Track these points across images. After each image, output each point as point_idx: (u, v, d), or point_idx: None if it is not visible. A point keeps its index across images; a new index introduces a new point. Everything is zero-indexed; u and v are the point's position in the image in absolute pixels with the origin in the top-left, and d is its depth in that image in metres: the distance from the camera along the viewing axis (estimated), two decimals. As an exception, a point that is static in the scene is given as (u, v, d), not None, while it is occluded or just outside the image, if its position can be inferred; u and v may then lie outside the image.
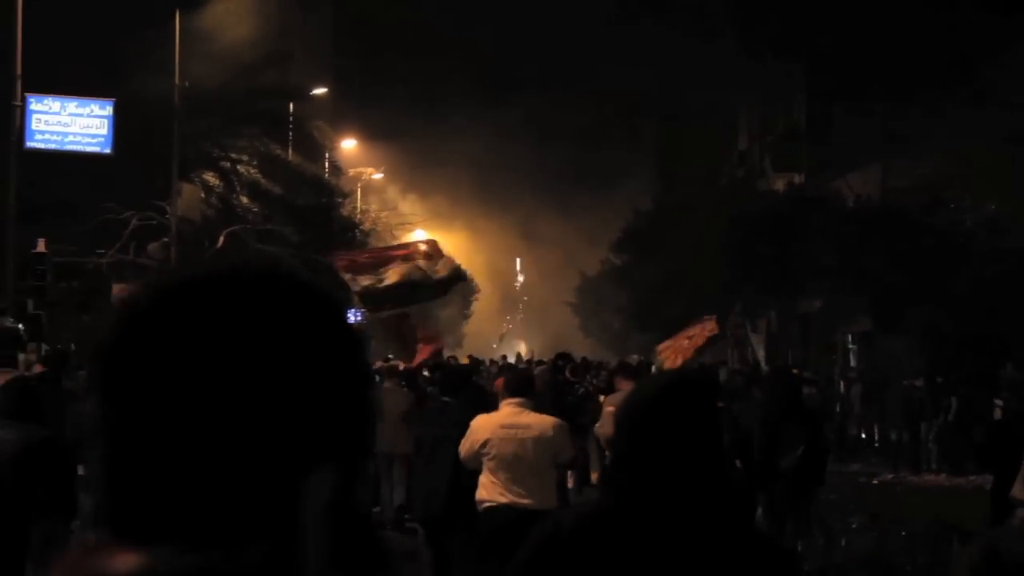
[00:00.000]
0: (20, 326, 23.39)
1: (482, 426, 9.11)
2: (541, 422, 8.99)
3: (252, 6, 40.46)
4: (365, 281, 20.01)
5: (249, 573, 1.22)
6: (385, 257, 20.18)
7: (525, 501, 8.65)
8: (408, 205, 74.62)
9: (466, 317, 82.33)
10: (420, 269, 19.87)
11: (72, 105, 31.82)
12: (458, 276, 20.31)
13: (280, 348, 1.24)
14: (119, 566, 1.20)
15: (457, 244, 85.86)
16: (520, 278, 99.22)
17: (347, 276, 19.80)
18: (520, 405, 9.03)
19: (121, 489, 1.26)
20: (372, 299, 20.40)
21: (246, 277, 1.28)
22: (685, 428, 3.15)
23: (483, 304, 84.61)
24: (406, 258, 20.47)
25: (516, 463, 8.81)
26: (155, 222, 35.91)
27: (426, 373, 22.37)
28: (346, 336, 1.30)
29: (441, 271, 20.20)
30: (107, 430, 1.27)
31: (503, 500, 8.77)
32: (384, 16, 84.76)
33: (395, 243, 21.89)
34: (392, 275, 19.80)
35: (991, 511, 11.48)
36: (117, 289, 30.50)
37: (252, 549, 1.22)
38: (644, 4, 59.33)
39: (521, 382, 9.38)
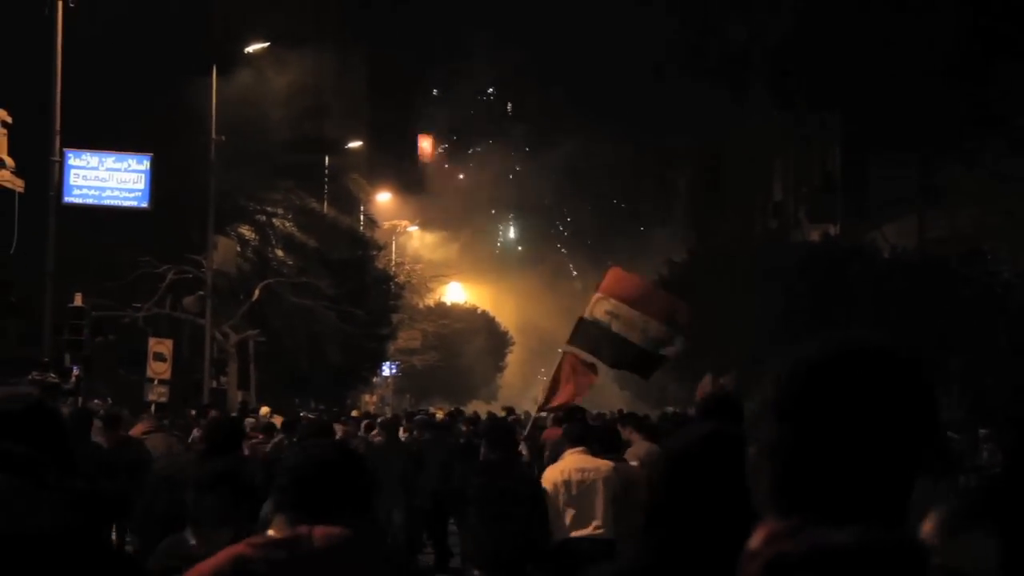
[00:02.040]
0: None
1: (557, 474, 10.26)
2: (605, 464, 10.21)
3: (288, 61, 40.77)
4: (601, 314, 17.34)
5: (910, 545, 1.85)
6: (642, 299, 17.10)
7: (600, 531, 9.95)
8: (443, 253, 74.87)
9: (500, 370, 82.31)
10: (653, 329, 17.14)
11: (110, 160, 32.05)
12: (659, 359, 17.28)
13: (902, 394, 1.94)
14: (838, 537, 1.80)
15: (489, 296, 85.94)
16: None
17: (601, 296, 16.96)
18: (584, 452, 10.25)
19: (795, 486, 1.91)
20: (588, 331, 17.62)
21: (880, 349, 1.98)
22: (729, 480, 3.11)
23: (516, 355, 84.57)
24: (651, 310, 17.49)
25: (591, 502, 10.05)
26: (191, 276, 36.08)
27: (463, 427, 22.60)
28: (932, 389, 1.99)
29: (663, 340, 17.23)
30: (785, 446, 1.94)
31: (583, 533, 9.96)
32: (419, 69, 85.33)
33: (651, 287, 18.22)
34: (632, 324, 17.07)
35: None
36: (153, 343, 30.62)
37: (904, 528, 1.88)
38: (680, 55, 59.46)
39: (581, 433, 10.78)
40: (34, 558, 2.89)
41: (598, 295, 16.26)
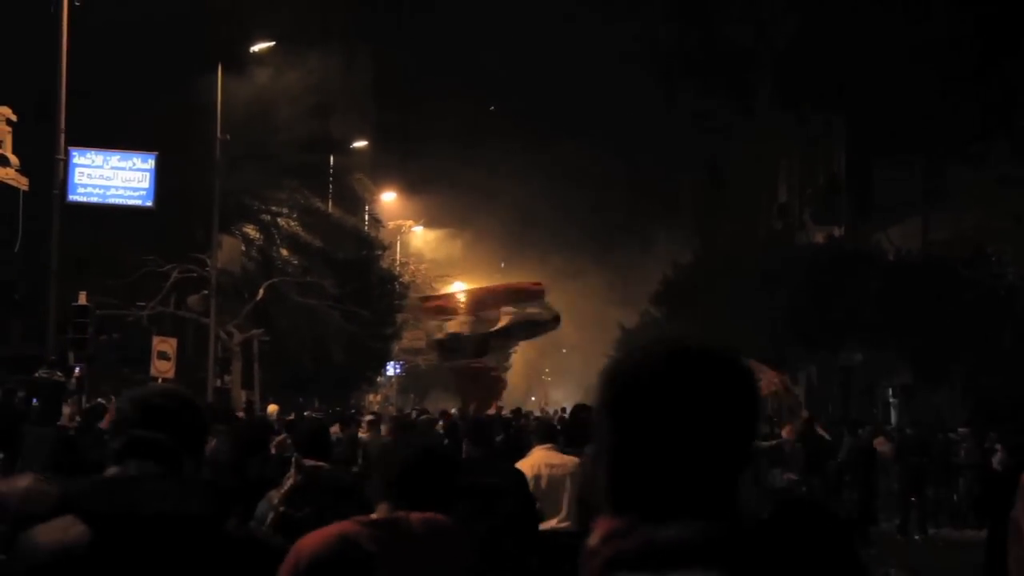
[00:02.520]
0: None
1: (527, 469, 10.51)
2: (571, 460, 10.65)
3: (293, 60, 40.78)
4: (455, 328, 19.18)
5: (734, 537, 1.91)
6: (489, 301, 19.12)
7: (565, 524, 10.40)
8: (445, 251, 74.84)
9: (504, 370, 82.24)
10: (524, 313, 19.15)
11: (115, 159, 32.05)
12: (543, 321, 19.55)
13: (722, 393, 2.01)
14: (666, 534, 1.89)
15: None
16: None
17: (433, 322, 19.03)
18: (552, 448, 10.73)
19: (626, 485, 1.98)
20: (457, 345, 19.68)
21: (700, 351, 2.05)
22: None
23: (520, 356, 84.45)
24: (516, 301, 19.39)
25: (559, 496, 10.50)
26: (195, 275, 36.10)
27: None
28: (752, 385, 2.06)
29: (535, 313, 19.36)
30: (615, 447, 2.00)
31: (549, 526, 10.32)
32: (424, 70, 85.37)
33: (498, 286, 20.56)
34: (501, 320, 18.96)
35: (985, 567, 11.19)
36: (157, 342, 30.65)
37: (729, 520, 1.93)
38: (684, 56, 59.44)
39: (549, 430, 11.42)
40: (167, 538, 3.26)
41: (433, 323, 18.26)
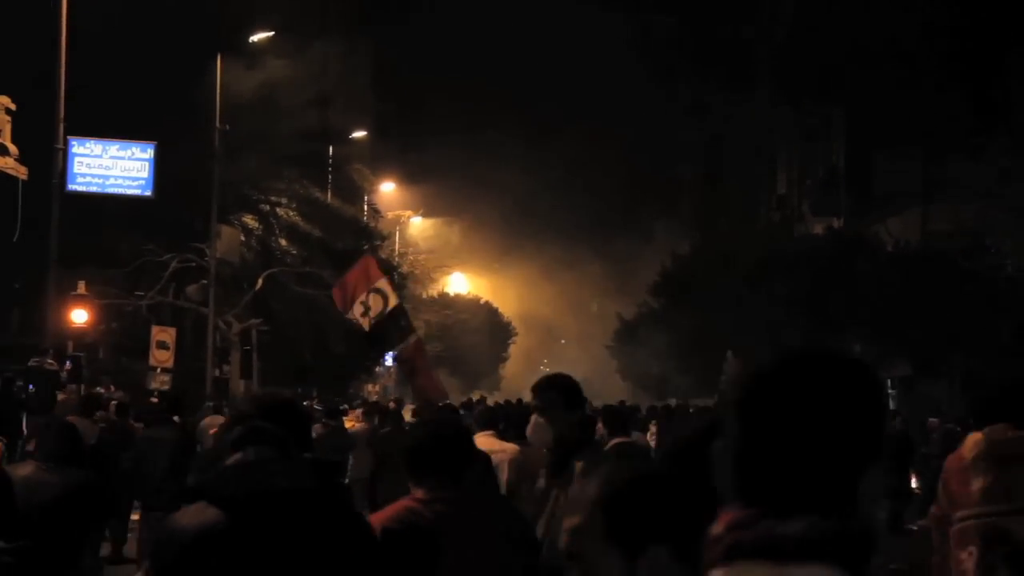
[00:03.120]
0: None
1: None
2: (511, 447, 10.79)
3: (293, 50, 40.73)
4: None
5: (855, 534, 2.02)
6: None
7: None
8: (441, 240, 74.83)
9: (503, 360, 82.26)
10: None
11: (114, 148, 32.02)
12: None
13: (848, 397, 2.11)
14: (788, 528, 1.98)
15: (490, 286, 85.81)
16: (557, 315, 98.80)
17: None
18: (492, 435, 10.83)
19: (752, 480, 2.09)
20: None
21: (832, 356, 2.17)
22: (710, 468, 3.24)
23: (518, 346, 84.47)
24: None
25: (500, 480, 10.59)
26: (194, 264, 36.07)
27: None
28: (878, 391, 2.16)
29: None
30: (743, 443, 2.12)
31: None
32: (423, 61, 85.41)
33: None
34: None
35: None
36: (156, 331, 30.63)
37: (854, 518, 2.05)
38: (683, 49, 59.47)
39: (490, 417, 11.50)
40: (289, 510, 3.69)
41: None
